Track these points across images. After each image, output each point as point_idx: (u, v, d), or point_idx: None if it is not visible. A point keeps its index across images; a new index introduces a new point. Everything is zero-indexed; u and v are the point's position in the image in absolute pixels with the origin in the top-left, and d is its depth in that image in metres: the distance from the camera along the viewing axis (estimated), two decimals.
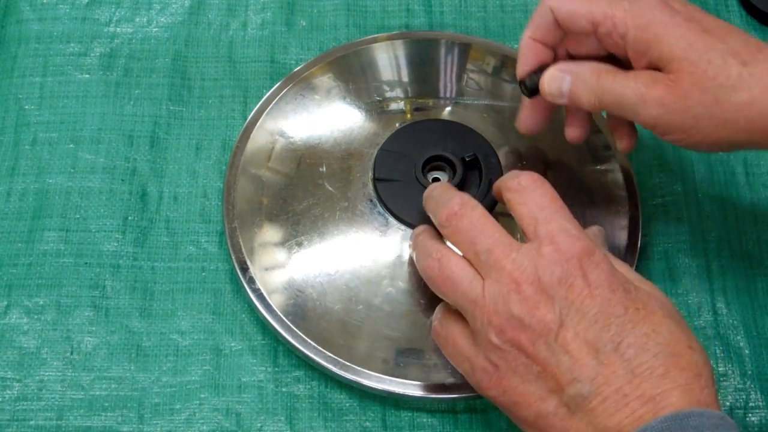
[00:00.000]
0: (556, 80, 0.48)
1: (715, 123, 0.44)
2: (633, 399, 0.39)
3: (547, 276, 0.41)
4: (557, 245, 0.42)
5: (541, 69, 0.49)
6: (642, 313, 0.41)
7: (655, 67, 0.45)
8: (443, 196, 0.47)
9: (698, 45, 0.44)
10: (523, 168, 0.55)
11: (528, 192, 0.44)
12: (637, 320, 0.41)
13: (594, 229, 0.48)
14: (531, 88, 0.49)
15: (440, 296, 0.45)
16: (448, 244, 0.46)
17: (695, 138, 0.45)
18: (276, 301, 0.51)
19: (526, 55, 0.49)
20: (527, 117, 0.52)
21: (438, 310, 0.47)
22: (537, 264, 0.42)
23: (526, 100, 0.51)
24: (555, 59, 0.50)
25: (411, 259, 0.51)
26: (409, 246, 0.51)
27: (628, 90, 0.45)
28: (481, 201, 0.46)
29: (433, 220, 0.47)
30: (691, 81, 0.44)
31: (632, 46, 0.45)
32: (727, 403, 0.51)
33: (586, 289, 0.41)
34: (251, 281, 0.52)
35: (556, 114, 0.56)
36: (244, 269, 0.52)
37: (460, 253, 0.45)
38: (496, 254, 0.43)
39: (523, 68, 0.50)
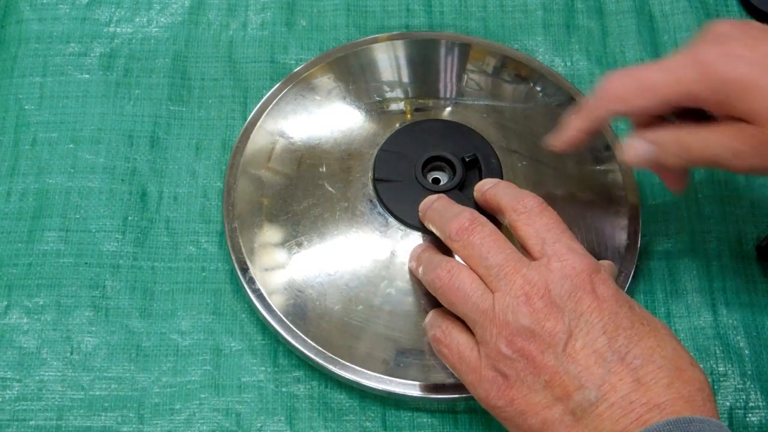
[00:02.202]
0: (640, 152, 0.47)
1: None
2: (639, 405, 0.40)
3: (557, 289, 0.42)
4: (566, 262, 0.43)
5: None
6: (647, 328, 0.42)
7: (738, 119, 0.44)
8: (449, 210, 0.48)
9: None
10: (521, 168, 0.55)
11: (534, 214, 0.45)
12: (643, 334, 0.42)
13: (605, 263, 0.48)
14: None
15: (448, 307, 0.46)
16: (456, 257, 0.47)
17: None
18: (276, 301, 0.51)
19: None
20: (570, 140, 0.50)
21: (435, 317, 0.47)
22: (547, 278, 0.43)
23: (570, 123, 0.49)
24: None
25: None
26: (409, 261, 0.51)
27: (718, 149, 0.45)
28: None
29: (437, 232, 0.48)
30: None
31: (711, 109, 0.45)
32: (727, 403, 0.51)
33: (594, 302, 0.42)
34: (251, 281, 0.52)
35: (552, 115, 0.56)
36: (244, 269, 0.52)
37: None
38: (507, 269, 0.44)
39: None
